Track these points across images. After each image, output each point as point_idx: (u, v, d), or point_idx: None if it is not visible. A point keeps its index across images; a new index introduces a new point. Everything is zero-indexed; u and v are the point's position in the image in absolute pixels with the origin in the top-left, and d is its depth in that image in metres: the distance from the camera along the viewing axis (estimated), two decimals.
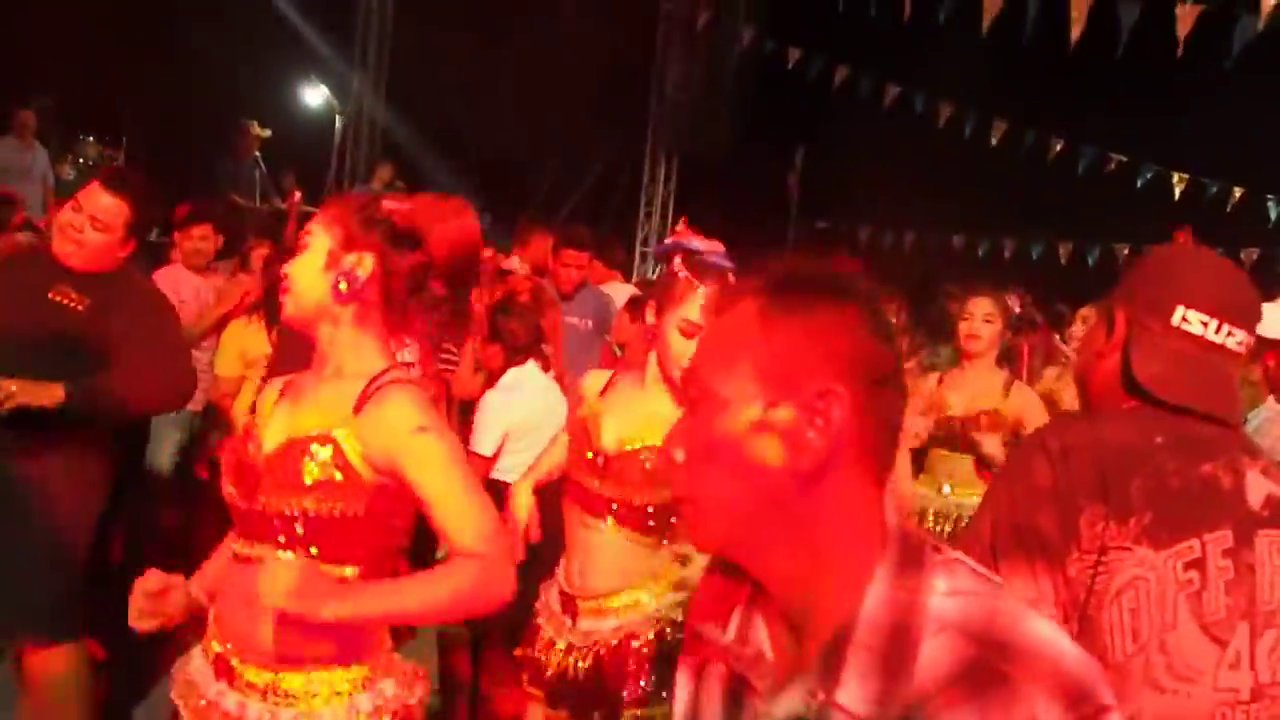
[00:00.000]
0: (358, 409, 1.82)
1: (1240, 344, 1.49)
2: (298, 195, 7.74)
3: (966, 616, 0.92)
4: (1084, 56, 6.16)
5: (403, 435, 1.80)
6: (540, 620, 2.68)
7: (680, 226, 2.66)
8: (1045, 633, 0.91)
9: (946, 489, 4.07)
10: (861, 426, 0.98)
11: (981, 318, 4.11)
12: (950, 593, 0.94)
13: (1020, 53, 6.69)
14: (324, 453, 1.82)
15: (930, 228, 12.40)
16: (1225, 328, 1.48)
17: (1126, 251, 11.66)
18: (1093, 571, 1.36)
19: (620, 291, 5.74)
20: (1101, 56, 6.15)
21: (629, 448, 2.49)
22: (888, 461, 1.02)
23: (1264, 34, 5.39)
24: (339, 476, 1.81)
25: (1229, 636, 1.38)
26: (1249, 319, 1.52)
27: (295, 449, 1.84)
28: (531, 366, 3.95)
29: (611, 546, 2.53)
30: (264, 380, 3.12)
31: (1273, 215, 9.92)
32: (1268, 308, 2.57)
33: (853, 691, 0.92)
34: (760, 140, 12.30)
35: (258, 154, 9.38)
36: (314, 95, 12.79)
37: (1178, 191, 9.98)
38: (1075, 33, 5.96)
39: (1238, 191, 9.92)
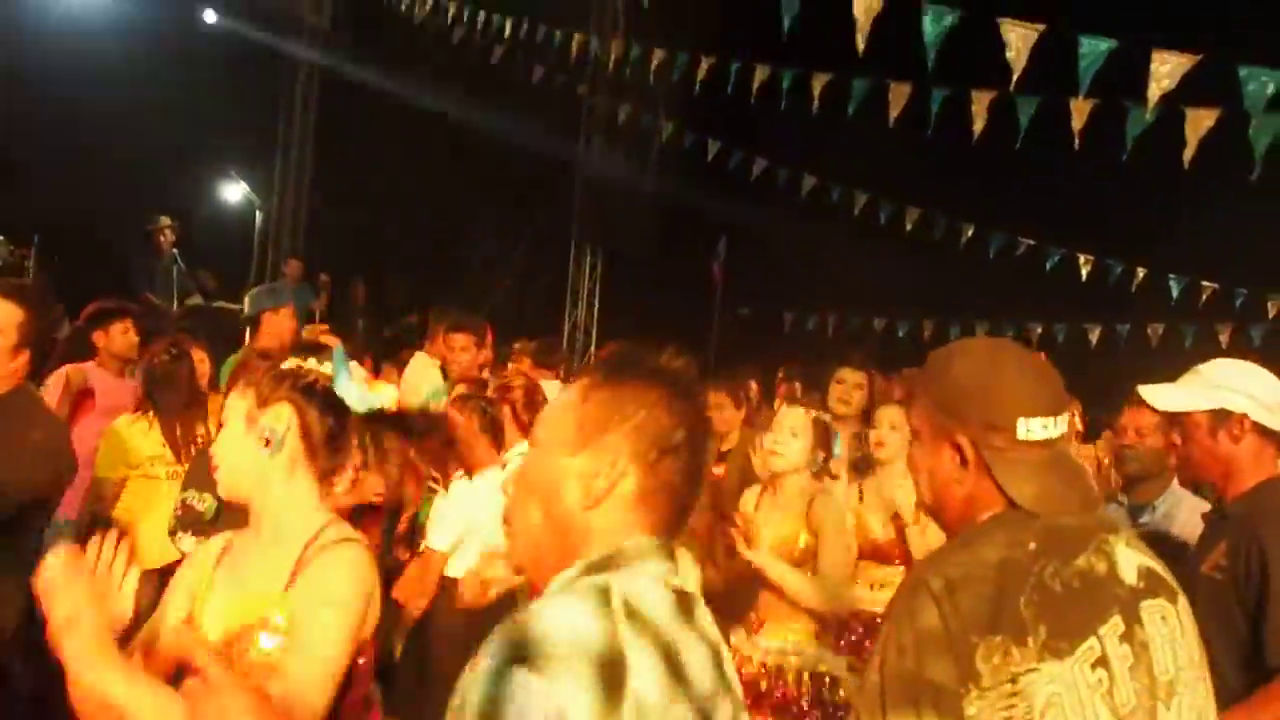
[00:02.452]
0: (289, 585, 1.86)
1: (1065, 424, 1.55)
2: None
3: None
4: (987, 147, 6.41)
5: (315, 603, 1.84)
6: None
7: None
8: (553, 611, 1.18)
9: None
10: (640, 486, 1.29)
11: (888, 425, 3.96)
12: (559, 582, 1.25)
13: (927, 143, 6.93)
14: (268, 640, 1.83)
15: (852, 311, 12.67)
16: (1055, 420, 1.52)
17: (1040, 330, 12.05)
18: (1010, 704, 1.35)
19: (554, 390, 5.71)
20: (1004, 147, 6.40)
21: None
22: (667, 519, 1.31)
23: (1153, 123, 5.66)
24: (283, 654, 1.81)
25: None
26: (1065, 399, 1.58)
27: (240, 639, 1.85)
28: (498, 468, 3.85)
29: None
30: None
31: (1174, 292, 10.31)
32: (1169, 386, 2.66)
33: None
34: (683, 229, 12.53)
35: (175, 251, 9.24)
36: (233, 191, 12.73)
37: (1084, 272, 10.35)
38: (978, 126, 6.20)
39: (1141, 271, 10.31)
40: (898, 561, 3.82)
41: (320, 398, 1.99)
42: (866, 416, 4.36)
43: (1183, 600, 1.52)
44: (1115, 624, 1.42)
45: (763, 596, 3.40)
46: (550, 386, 5.75)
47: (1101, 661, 1.39)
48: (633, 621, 1.17)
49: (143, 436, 4.09)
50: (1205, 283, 10.32)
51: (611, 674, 1.12)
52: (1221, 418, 2.53)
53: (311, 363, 2.04)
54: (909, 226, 10.13)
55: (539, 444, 1.36)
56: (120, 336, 4.74)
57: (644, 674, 1.15)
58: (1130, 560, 1.49)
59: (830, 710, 3.30)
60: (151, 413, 4.12)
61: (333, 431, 1.99)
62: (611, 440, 1.29)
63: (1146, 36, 5.32)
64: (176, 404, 4.10)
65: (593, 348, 11.93)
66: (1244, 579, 2.39)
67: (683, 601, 1.26)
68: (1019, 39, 5.28)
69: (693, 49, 8.16)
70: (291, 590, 1.86)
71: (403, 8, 10.15)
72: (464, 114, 11.67)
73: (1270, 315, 10.60)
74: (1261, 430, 2.52)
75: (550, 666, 1.10)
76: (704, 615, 1.30)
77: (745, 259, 12.82)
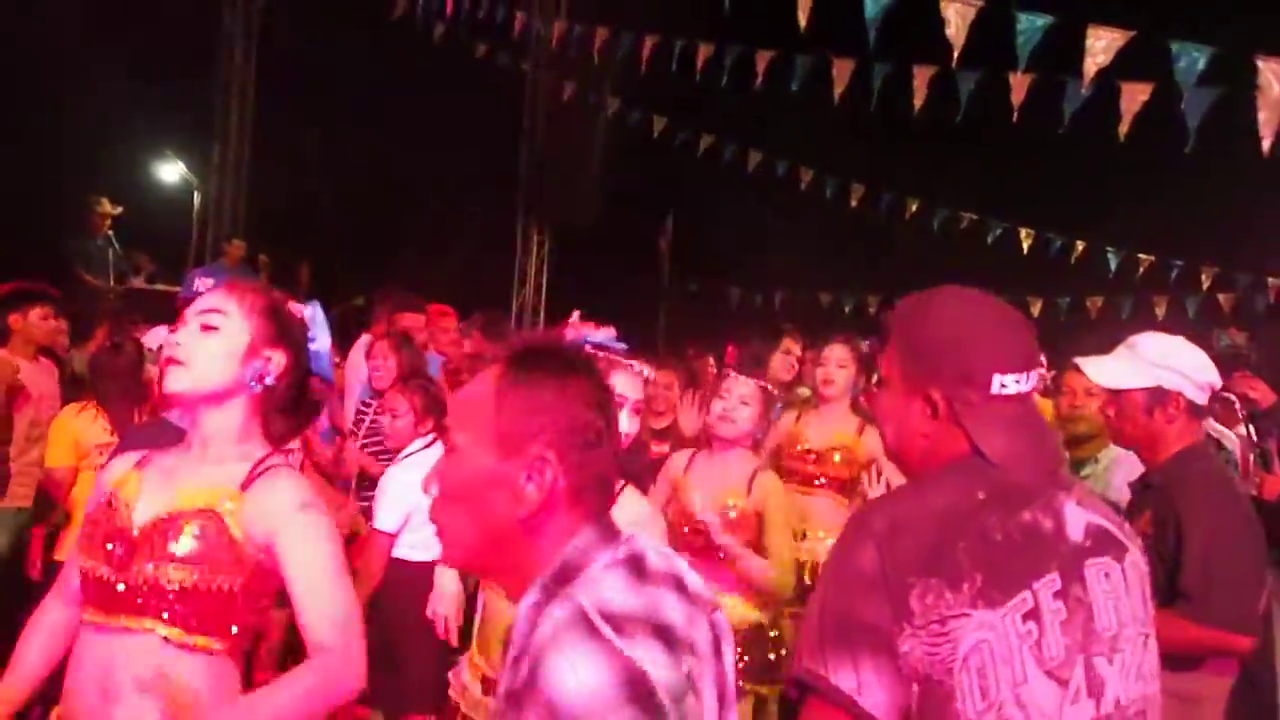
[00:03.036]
0: (245, 485, 1.89)
1: (1037, 380, 1.57)
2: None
3: (541, 647, 1.14)
4: (929, 122, 6.48)
5: (287, 511, 1.87)
6: (460, 704, 2.62)
7: (574, 319, 2.72)
8: (563, 667, 1.11)
9: (821, 533, 4.14)
10: (572, 482, 1.26)
11: (835, 364, 4.38)
12: (551, 622, 1.16)
13: (870, 120, 6.98)
14: (208, 526, 1.86)
15: (798, 286, 12.75)
16: (1027, 375, 1.53)
17: None
18: (935, 642, 1.37)
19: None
20: (945, 122, 6.47)
21: None
22: (601, 504, 1.30)
23: (1090, 98, 5.74)
24: (219, 551, 1.85)
25: (1069, 675, 1.42)
26: (1037, 356, 1.59)
27: (174, 521, 1.86)
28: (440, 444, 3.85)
29: None
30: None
31: (1113, 266, 10.53)
32: (1107, 360, 2.72)
33: (504, 682, 1.19)
34: (630, 207, 12.50)
35: (110, 232, 9.02)
36: (170, 171, 12.45)
37: (1026, 246, 10.52)
38: (918, 101, 6.26)
39: (1080, 245, 10.50)
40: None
41: (306, 357, 2.05)
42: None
43: (1131, 557, 1.53)
44: (1051, 580, 1.43)
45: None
46: None
47: (1033, 614, 1.41)
48: (622, 635, 1.16)
49: (89, 426, 4.01)
50: (1142, 255, 10.55)
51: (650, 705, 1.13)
52: (1158, 396, 2.59)
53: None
54: (854, 202, 10.22)
55: (457, 449, 1.31)
56: (40, 322, 4.55)
57: (661, 676, 1.15)
58: (1079, 518, 1.49)
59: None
60: (96, 402, 4.05)
61: (302, 389, 2.04)
62: (534, 445, 1.26)
63: (1083, 12, 5.40)
64: (119, 393, 4.02)
65: (541, 328, 11.90)
66: (1165, 548, 2.48)
67: (640, 566, 1.27)
68: (958, 15, 5.34)
69: (636, 27, 8.13)
70: (249, 494, 1.88)
71: None
72: (406, 93, 11.51)
73: (1205, 287, 10.87)
74: (1192, 408, 2.60)
75: None
76: (665, 561, 1.31)
77: (692, 236, 12.85)
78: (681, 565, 1.35)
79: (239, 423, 1.96)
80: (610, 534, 1.29)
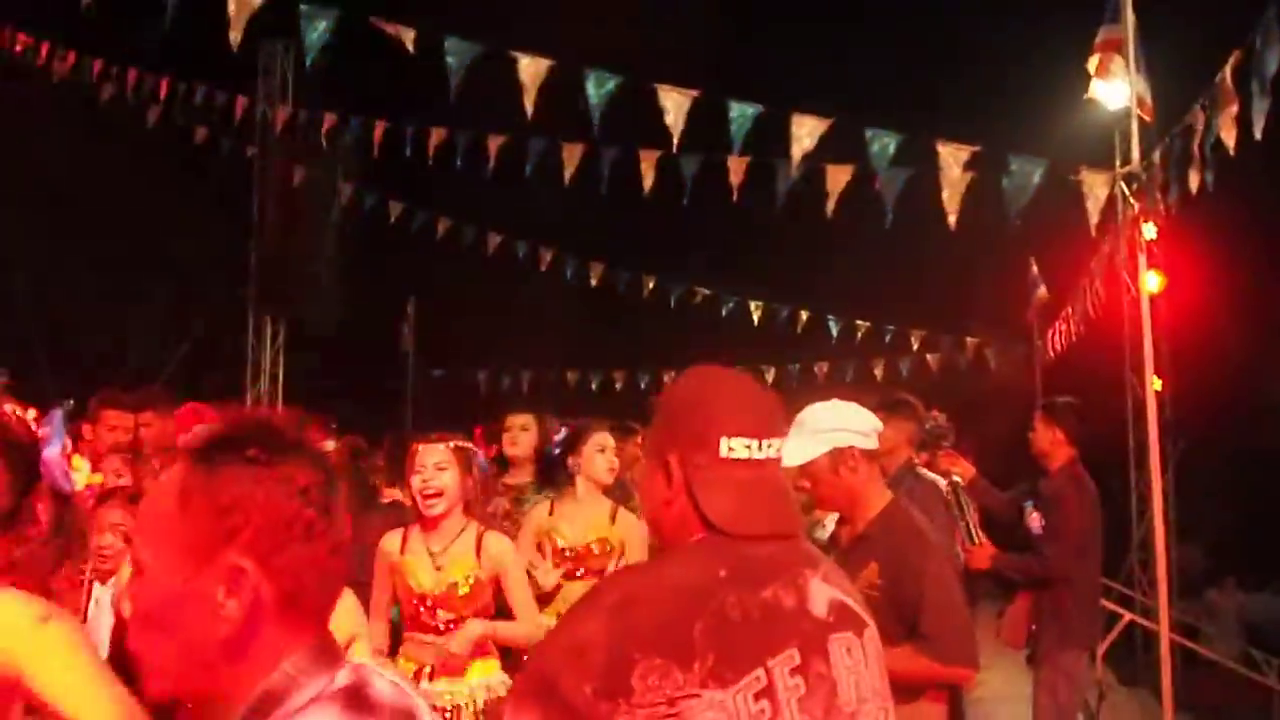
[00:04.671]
0: None
1: (778, 450, 1.61)
2: None
3: None
4: (658, 202, 6.77)
5: (23, 629, 1.64)
6: None
7: None
8: None
9: None
10: (279, 588, 1.07)
11: (595, 448, 4.25)
12: None
13: (603, 200, 7.21)
14: None
15: (544, 365, 12.87)
16: (763, 443, 1.56)
17: None
18: None
19: None
20: (672, 202, 6.79)
21: None
22: (319, 607, 1.12)
23: (799, 179, 6.20)
24: None
25: None
26: (778, 425, 1.66)
27: None
28: None
29: None
30: None
31: (834, 331, 11.32)
32: (787, 442, 2.91)
33: None
34: (370, 295, 12.22)
35: None
36: None
37: (756, 317, 11.14)
38: (647, 183, 6.54)
39: (804, 314, 11.23)
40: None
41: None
42: (537, 455, 4.77)
43: (870, 632, 1.58)
44: (789, 656, 1.44)
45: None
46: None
47: (767, 692, 1.41)
48: None
49: None
50: (859, 321, 11.42)
51: None
52: (836, 456, 2.81)
53: None
54: (594, 281, 10.48)
55: (144, 568, 1.12)
56: None
57: None
58: (822, 594, 1.52)
59: None
60: None
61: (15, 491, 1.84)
62: (226, 555, 1.06)
63: (788, 101, 5.84)
64: None
65: None
66: (903, 595, 2.68)
67: (360, 699, 1.10)
68: (675, 104, 5.63)
69: (364, 112, 8.05)
70: None
71: (39, 63, 9.28)
72: (121, 180, 10.82)
73: (914, 348, 11.88)
74: (868, 455, 2.85)
75: None
76: (396, 694, 1.15)
77: (436, 321, 12.71)
78: (419, 702, 1.15)
79: None
80: (328, 657, 1.11)
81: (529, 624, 3.49)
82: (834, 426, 2.84)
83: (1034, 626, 4.80)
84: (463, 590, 3.43)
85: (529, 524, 4.29)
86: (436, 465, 3.49)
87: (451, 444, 3.56)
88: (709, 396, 1.60)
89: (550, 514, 4.26)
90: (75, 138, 10.58)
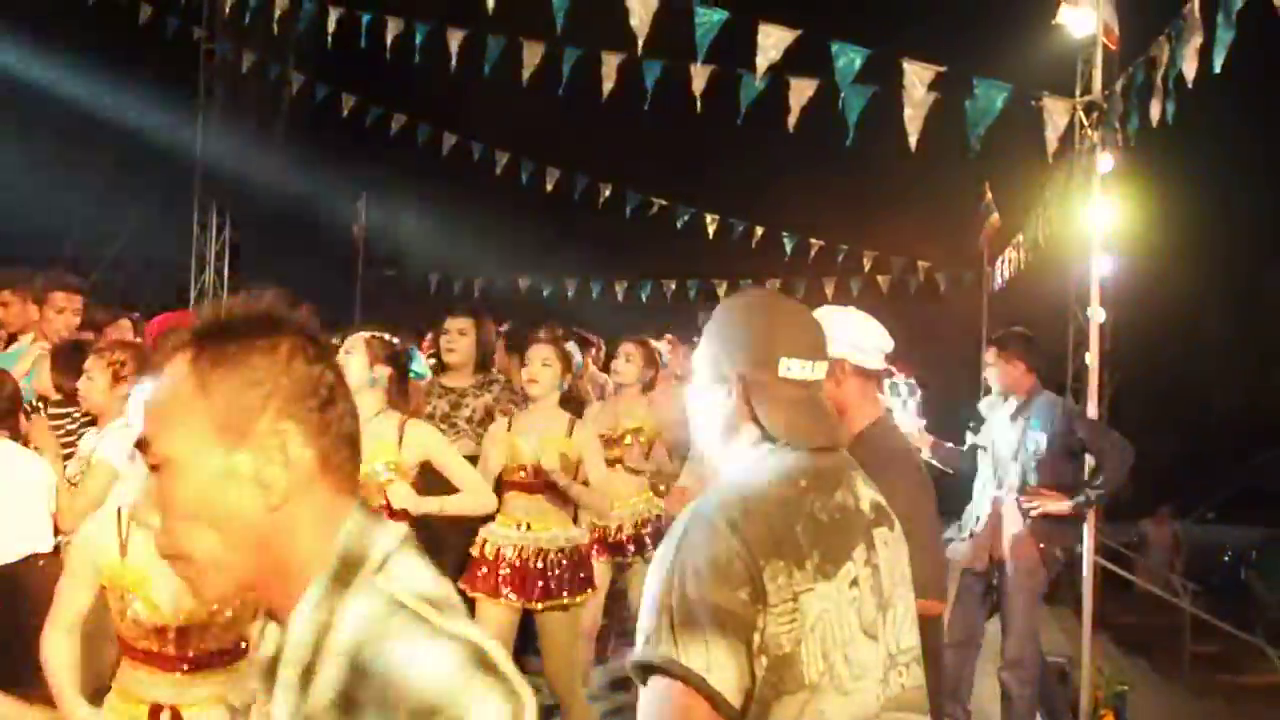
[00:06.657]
0: None
1: (824, 371, 1.80)
2: None
3: (355, 642, 1.04)
4: (617, 108, 6.64)
5: None
6: None
7: None
8: (410, 657, 1.02)
9: (524, 527, 4.23)
10: (317, 450, 1.12)
11: (540, 363, 4.25)
12: (358, 617, 1.06)
13: (560, 104, 7.06)
14: None
15: (498, 271, 12.75)
16: (814, 364, 1.75)
17: (674, 286, 12.78)
18: (789, 617, 1.55)
19: None
20: (633, 109, 6.66)
21: None
22: (350, 470, 1.16)
23: (762, 91, 6.09)
24: None
25: (878, 631, 1.68)
26: (824, 347, 1.83)
27: None
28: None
29: None
30: None
31: (788, 249, 11.32)
32: None
33: (279, 705, 1.07)
34: (321, 189, 11.96)
35: None
36: None
37: (711, 230, 11.09)
38: (607, 87, 6.40)
39: (759, 230, 11.21)
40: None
41: None
42: (483, 363, 5.06)
43: (898, 527, 1.80)
44: (862, 549, 1.68)
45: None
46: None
47: (855, 581, 1.66)
48: (444, 616, 1.07)
49: None
50: (813, 240, 11.43)
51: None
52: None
53: None
54: (549, 187, 10.31)
55: (169, 463, 1.11)
56: None
57: (494, 648, 1.09)
58: (866, 494, 1.76)
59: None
60: None
61: None
62: (265, 419, 1.10)
63: (755, 9, 5.72)
64: None
65: None
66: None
67: (417, 545, 1.18)
68: (641, 6, 5.50)
69: None
70: None
71: None
72: (58, 66, 10.38)
73: (866, 269, 11.95)
74: (861, 372, 2.78)
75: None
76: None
77: (388, 219, 12.50)
78: None
79: None
80: (374, 512, 1.17)
81: (476, 495, 3.84)
82: (830, 335, 2.80)
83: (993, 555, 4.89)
84: (383, 479, 3.61)
85: (490, 441, 4.33)
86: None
87: (364, 334, 3.74)
88: (768, 320, 1.77)
89: (509, 430, 4.30)
90: (16, 15, 10.12)
